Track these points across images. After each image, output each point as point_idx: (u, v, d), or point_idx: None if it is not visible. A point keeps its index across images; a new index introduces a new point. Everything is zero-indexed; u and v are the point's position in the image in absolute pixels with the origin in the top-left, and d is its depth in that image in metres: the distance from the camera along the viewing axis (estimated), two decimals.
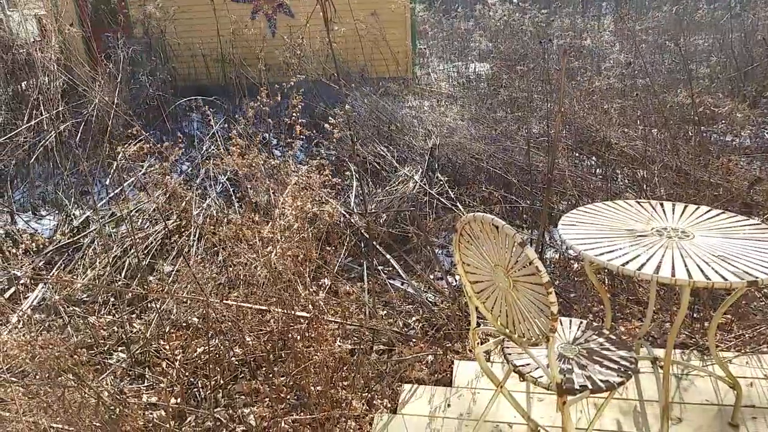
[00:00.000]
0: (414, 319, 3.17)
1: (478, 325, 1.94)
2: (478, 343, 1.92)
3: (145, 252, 3.71)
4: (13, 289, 3.45)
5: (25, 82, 5.58)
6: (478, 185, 4.38)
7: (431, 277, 3.58)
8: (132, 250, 3.71)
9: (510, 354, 1.89)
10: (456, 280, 3.57)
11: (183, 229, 3.86)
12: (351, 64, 7.06)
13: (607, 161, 4.45)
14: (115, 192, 4.65)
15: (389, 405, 2.46)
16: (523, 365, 1.83)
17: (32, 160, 4.84)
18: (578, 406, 2.29)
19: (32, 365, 1.89)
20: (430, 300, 3.30)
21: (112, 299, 3.38)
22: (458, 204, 4.11)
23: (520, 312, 1.65)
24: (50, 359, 2.03)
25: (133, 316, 3.20)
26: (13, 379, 2.45)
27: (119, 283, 3.54)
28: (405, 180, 4.33)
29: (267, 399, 2.60)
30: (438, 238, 3.98)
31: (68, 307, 3.31)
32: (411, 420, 2.27)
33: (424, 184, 4.23)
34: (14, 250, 3.87)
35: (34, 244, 3.99)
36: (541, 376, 1.78)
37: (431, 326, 3.09)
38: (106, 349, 2.95)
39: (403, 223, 3.94)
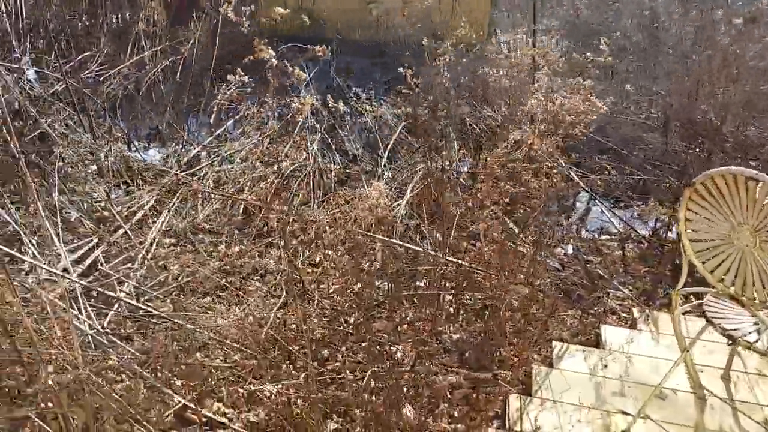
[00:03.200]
0: (539, 282, 3.16)
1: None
2: (679, 304, 1.90)
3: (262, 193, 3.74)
4: (140, 214, 3.53)
5: (128, 14, 5.61)
6: (590, 156, 4.30)
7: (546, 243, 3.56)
8: (250, 188, 3.76)
9: (714, 318, 1.86)
10: (573, 249, 3.55)
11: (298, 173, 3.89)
12: (428, 25, 6.90)
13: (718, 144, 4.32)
14: (220, 131, 4.68)
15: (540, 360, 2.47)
16: (733, 329, 1.81)
17: (140, 93, 4.90)
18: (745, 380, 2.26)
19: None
20: (553, 266, 3.29)
21: (236, 232, 3.44)
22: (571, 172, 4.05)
23: (764, 273, 1.61)
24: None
25: (262, 248, 3.25)
26: None
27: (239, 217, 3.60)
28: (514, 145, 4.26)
29: (410, 340, 2.64)
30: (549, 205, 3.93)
31: (196, 234, 3.39)
32: (570, 376, 2.28)
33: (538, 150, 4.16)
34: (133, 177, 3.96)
35: (150, 174, 4.08)
36: (757, 341, 1.75)
37: (558, 290, 3.09)
38: (242, 277, 3.01)
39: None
